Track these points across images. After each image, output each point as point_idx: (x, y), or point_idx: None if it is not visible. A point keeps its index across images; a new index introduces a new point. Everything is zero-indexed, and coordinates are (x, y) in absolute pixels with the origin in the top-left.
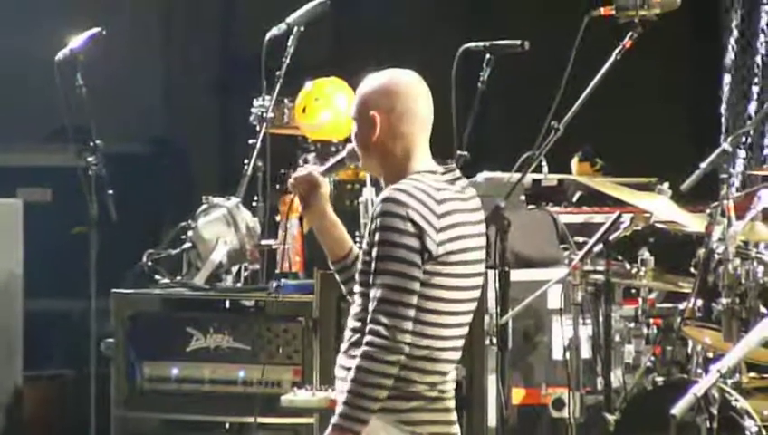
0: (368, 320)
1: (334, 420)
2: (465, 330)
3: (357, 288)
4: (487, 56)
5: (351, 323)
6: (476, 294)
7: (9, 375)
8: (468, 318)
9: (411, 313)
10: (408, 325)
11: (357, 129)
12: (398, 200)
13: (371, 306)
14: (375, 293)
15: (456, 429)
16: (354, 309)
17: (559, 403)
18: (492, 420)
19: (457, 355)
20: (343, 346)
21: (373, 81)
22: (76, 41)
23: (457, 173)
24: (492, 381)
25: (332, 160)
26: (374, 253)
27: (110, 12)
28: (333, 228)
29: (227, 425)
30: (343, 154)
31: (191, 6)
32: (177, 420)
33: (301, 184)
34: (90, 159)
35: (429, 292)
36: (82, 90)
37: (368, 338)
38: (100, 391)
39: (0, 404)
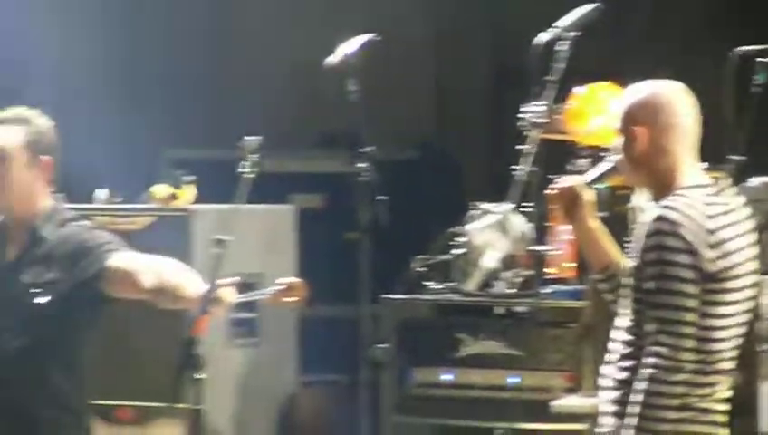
0: (648, 341)
1: None
2: (739, 341)
3: (629, 303)
4: (762, 59)
5: (622, 335)
6: (750, 305)
7: (284, 381)
8: (741, 330)
9: (691, 331)
10: (689, 344)
11: (620, 142)
12: (670, 219)
13: (651, 328)
14: (653, 314)
15: None
16: (625, 322)
17: None
18: (764, 426)
19: (730, 366)
20: (613, 357)
21: (635, 93)
22: (349, 47)
23: (724, 183)
24: (765, 388)
25: (596, 171)
26: (648, 273)
27: (382, 18)
28: (597, 239)
29: (499, 431)
30: (607, 165)
31: (461, 11)
32: (447, 426)
33: (563, 196)
34: (361, 165)
35: (703, 309)
36: (354, 96)
37: (651, 360)
38: (372, 397)
39: (275, 410)
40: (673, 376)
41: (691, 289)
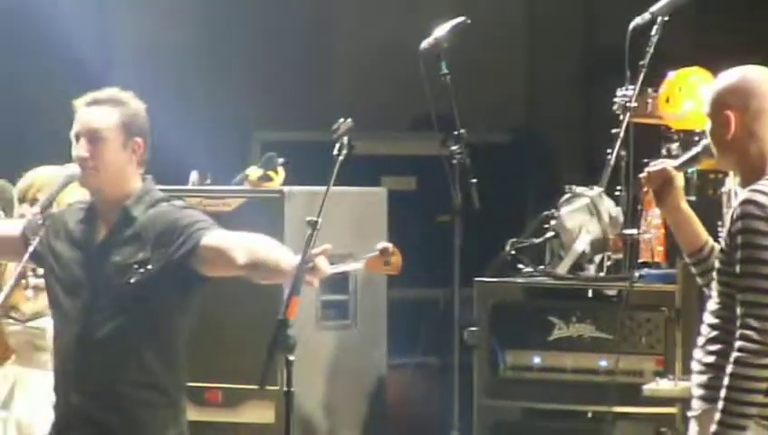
0: (738, 324)
1: (713, 429)
2: None
3: (716, 286)
4: None
5: (709, 318)
6: None
7: (374, 363)
8: None
9: None
10: None
11: (711, 126)
12: (758, 202)
13: (740, 311)
14: (742, 297)
15: None
16: (712, 306)
17: None
18: None
19: None
20: (700, 341)
21: (727, 78)
22: (441, 29)
23: None
24: None
25: (686, 156)
26: (737, 256)
27: (475, 1)
28: (687, 222)
29: (589, 414)
30: (698, 149)
31: None
32: (538, 409)
33: (654, 179)
34: (453, 147)
35: None
36: (447, 78)
37: (740, 344)
38: (463, 380)
39: (365, 392)
40: (761, 359)
41: None
